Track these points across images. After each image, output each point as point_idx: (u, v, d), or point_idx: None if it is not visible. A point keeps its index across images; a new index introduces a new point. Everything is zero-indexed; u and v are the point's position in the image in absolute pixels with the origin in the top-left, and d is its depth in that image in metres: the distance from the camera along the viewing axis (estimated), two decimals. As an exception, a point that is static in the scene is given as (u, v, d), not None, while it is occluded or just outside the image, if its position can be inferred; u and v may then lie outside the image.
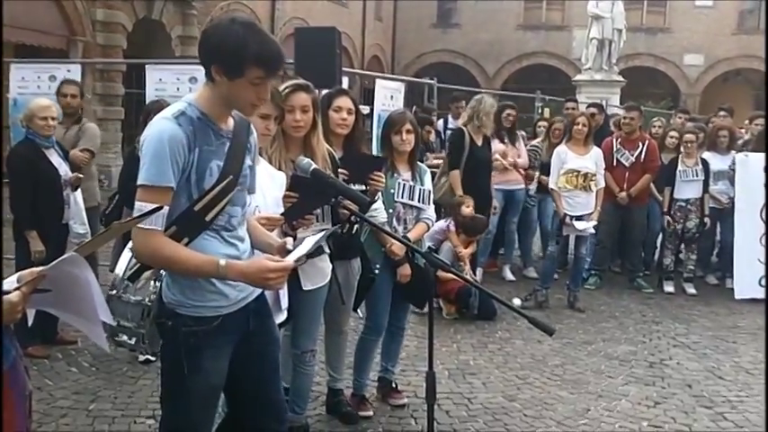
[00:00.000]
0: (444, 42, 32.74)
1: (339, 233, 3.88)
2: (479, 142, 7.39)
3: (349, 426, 4.38)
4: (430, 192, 4.61)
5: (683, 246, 8.27)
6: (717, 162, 8.30)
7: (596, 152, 7.34)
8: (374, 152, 4.74)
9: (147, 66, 8.21)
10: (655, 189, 8.34)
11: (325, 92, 4.30)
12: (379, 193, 4.18)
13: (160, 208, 2.35)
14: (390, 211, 4.39)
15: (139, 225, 2.35)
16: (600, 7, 19.66)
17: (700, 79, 30.83)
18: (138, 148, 3.28)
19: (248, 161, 2.66)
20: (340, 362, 4.49)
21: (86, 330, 2.21)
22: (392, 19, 33.43)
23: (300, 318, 3.87)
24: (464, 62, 32.73)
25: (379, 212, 4.15)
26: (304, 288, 3.75)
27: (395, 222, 4.44)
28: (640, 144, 8.13)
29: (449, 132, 9.22)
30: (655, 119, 10.00)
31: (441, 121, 10.52)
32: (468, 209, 7.01)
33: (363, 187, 3.90)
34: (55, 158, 5.46)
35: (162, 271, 2.69)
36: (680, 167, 8.03)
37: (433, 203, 4.77)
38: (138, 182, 2.43)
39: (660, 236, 8.73)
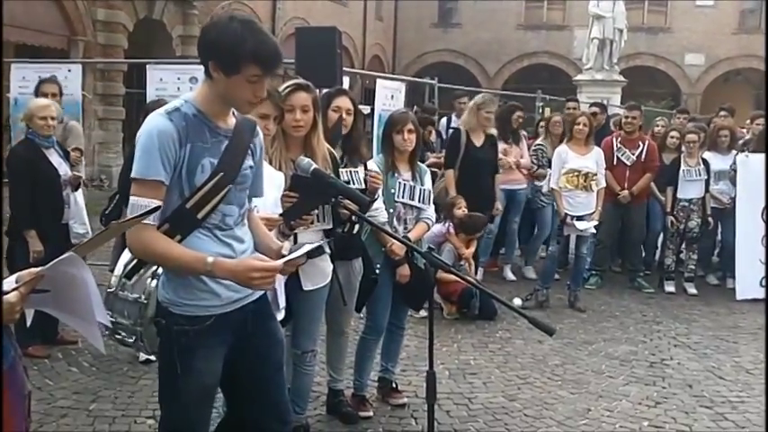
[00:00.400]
0: (445, 42, 32.73)
1: (341, 233, 3.88)
2: (479, 142, 7.37)
3: (349, 426, 4.38)
4: (430, 192, 4.60)
5: (683, 245, 8.26)
6: (717, 162, 8.29)
7: (597, 152, 7.34)
8: (375, 152, 4.72)
9: (147, 65, 8.22)
10: (656, 188, 8.34)
11: (324, 91, 4.30)
12: (380, 193, 4.18)
13: (158, 207, 2.36)
14: (391, 210, 4.39)
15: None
16: (601, 7, 19.63)
17: (700, 79, 30.81)
18: None
19: (249, 162, 2.65)
20: (341, 362, 4.49)
21: (83, 331, 2.21)
22: (393, 18, 33.42)
23: (301, 318, 3.87)
24: (465, 62, 32.72)
25: (379, 212, 4.15)
26: (304, 288, 3.75)
27: (395, 222, 4.44)
28: (641, 143, 8.13)
29: (451, 131, 9.21)
30: (658, 118, 10.00)
31: (444, 120, 10.52)
32: (459, 210, 6.99)
33: (363, 186, 3.89)
34: (55, 158, 5.45)
35: (159, 269, 2.69)
36: (683, 167, 8.02)
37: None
38: (132, 176, 2.46)
39: (661, 236, 8.72)
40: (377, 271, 4.24)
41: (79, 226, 5.67)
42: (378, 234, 4.24)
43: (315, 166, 3.10)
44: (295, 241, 3.47)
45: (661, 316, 7.20)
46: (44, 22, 14.45)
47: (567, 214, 7.10)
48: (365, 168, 4.14)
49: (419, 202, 4.51)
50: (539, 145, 8.58)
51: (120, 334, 4.31)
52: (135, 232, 2.41)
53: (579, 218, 7.11)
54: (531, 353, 5.90)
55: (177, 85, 7.68)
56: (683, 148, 8.18)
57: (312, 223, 3.61)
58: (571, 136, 7.36)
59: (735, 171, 8.16)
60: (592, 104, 9.92)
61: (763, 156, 7.94)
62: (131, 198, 2.44)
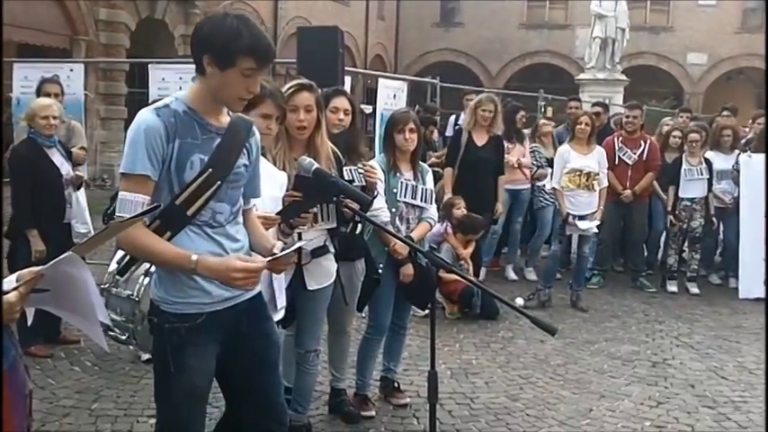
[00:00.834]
0: (447, 41, 32.72)
1: (344, 232, 3.88)
2: (480, 142, 7.36)
3: (351, 425, 4.38)
4: (432, 191, 4.60)
5: (686, 245, 8.25)
6: (720, 161, 8.29)
7: (599, 151, 7.33)
8: (377, 152, 4.72)
9: (149, 65, 8.23)
10: (658, 188, 8.33)
11: (322, 91, 4.29)
12: (381, 192, 4.18)
13: (158, 206, 2.37)
14: (393, 210, 4.38)
15: (119, 214, 2.39)
16: (603, 6, 19.60)
17: (703, 78, 30.79)
18: None
19: (243, 160, 2.64)
20: (343, 362, 4.48)
21: (85, 329, 2.21)
22: (395, 18, 33.41)
23: (304, 317, 3.87)
24: (467, 61, 32.71)
25: (382, 212, 4.15)
26: (309, 288, 3.75)
27: (398, 222, 4.43)
28: (642, 143, 8.12)
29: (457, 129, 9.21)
30: (668, 118, 9.99)
31: (452, 117, 10.52)
32: (458, 210, 6.99)
33: (363, 184, 3.89)
34: (57, 158, 5.45)
35: (152, 267, 2.70)
36: (684, 166, 8.02)
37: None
38: (120, 170, 2.49)
39: (663, 235, 8.71)
40: (379, 271, 4.24)
41: (81, 225, 5.69)
42: (380, 234, 4.24)
43: (316, 165, 3.10)
44: (300, 238, 3.48)
45: (663, 316, 7.19)
46: (46, 22, 14.47)
47: (569, 214, 7.10)
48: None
49: (421, 201, 4.50)
50: (534, 147, 8.56)
51: (113, 330, 4.31)
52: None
53: (581, 217, 7.11)
54: (533, 352, 5.90)
55: (179, 84, 7.67)
56: (686, 148, 8.17)
57: (316, 222, 3.62)
58: (573, 135, 7.35)
59: (737, 171, 8.16)
60: (594, 104, 9.91)
61: (764, 156, 7.94)
62: (120, 193, 2.47)
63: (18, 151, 5.50)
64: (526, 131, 8.94)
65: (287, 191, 3.40)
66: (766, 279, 7.77)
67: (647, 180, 8.09)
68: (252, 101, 2.76)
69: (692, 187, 8.02)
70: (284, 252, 2.61)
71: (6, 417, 1.94)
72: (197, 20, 18.09)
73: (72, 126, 6.72)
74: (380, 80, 9.22)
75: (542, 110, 13.16)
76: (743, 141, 8.83)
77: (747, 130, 9.69)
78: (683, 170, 8.00)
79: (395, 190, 4.41)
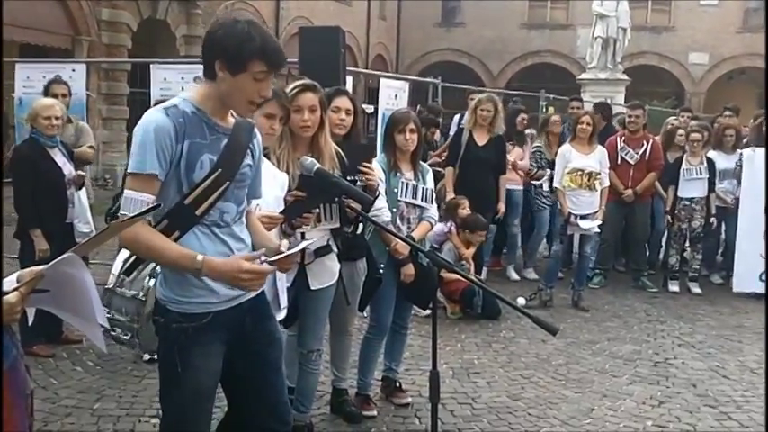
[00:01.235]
0: (448, 41, 32.73)
1: (346, 233, 3.88)
2: (481, 142, 7.37)
3: (353, 425, 4.38)
4: (432, 191, 4.61)
5: (687, 245, 8.25)
6: (722, 161, 8.29)
7: (601, 151, 7.33)
8: (379, 151, 4.72)
9: (151, 65, 8.23)
10: (660, 188, 8.33)
11: (323, 91, 4.29)
12: (382, 192, 4.18)
13: (158, 206, 2.37)
14: (394, 210, 4.38)
15: (123, 212, 2.40)
16: (604, 6, 19.62)
17: (704, 78, 30.78)
18: None
19: (248, 161, 2.66)
20: (345, 361, 4.49)
21: (85, 330, 2.22)
22: (396, 18, 33.43)
23: (307, 317, 3.88)
24: (468, 61, 32.71)
25: (383, 212, 4.15)
26: (312, 287, 3.75)
27: (398, 221, 4.44)
28: (644, 142, 8.12)
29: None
30: (672, 117, 9.98)
31: (456, 117, 10.52)
32: (463, 210, 7.01)
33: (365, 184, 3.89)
34: (59, 158, 5.47)
35: (157, 267, 2.70)
36: (684, 166, 8.01)
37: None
38: (127, 170, 2.49)
39: (665, 235, 8.71)
40: (381, 271, 4.24)
41: (83, 225, 5.70)
42: (381, 233, 4.24)
43: (318, 165, 3.11)
44: (303, 237, 3.48)
45: (665, 315, 7.19)
46: (48, 22, 14.48)
47: (570, 213, 7.10)
48: None
49: (422, 201, 4.51)
50: (536, 147, 8.56)
51: (115, 331, 4.31)
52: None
53: (583, 217, 7.11)
54: (534, 352, 5.90)
55: (181, 84, 7.68)
56: (687, 148, 8.17)
57: (319, 222, 3.62)
58: (574, 135, 7.35)
59: (741, 167, 8.15)
60: (595, 105, 9.91)
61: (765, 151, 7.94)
62: (126, 192, 2.46)
63: (21, 151, 5.52)
64: (528, 132, 8.95)
65: (290, 191, 3.40)
66: (766, 276, 7.77)
67: (649, 180, 8.09)
68: None
69: (691, 187, 8.01)
70: (293, 250, 2.62)
71: (7, 417, 1.95)
72: (199, 20, 18.18)
73: (80, 126, 6.86)
74: (382, 80, 9.22)
75: (544, 110, 13.15)
76: (744, 141, 8.83)
77: (748, 129, 9.68)
78: (682, 170, 7.99)
79: (395, 190, 4.41)
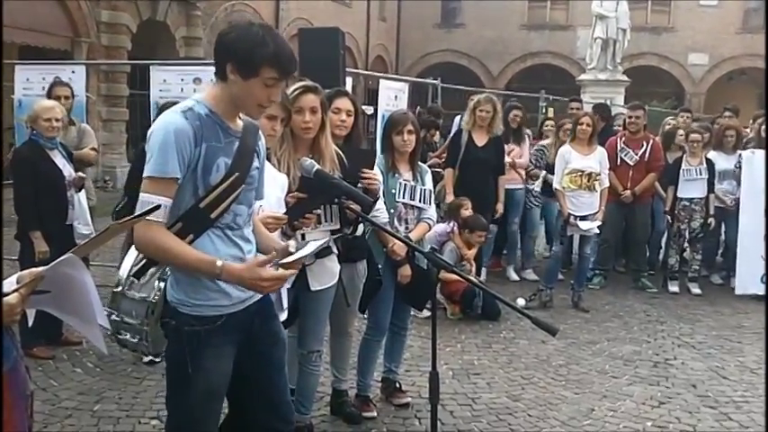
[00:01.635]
0: (448, 42, 32.73)
1: (347, 234, 3.89)
2: (480, 143, 7.37)
3: (353, 426, 4.39)
4: (431, 191, 4.61)
5: (687, 245, 8.25)
6: (722, 162, 8.28)
7: (600, 152, 7.33)
8: (378, 153, 4.72)
9: (151, 67, 8.22)
10: (660, 188, 8.33)
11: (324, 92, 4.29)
12: (381, 193, 4.18)
13: (158, 207, 2.36)
14: (392, 211, 4.39)
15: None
16: (604, 7, 19.62)
17: (704, 78, 30.78)
18: None
19: (256, 162, 2.68)
20: (345, 363, 4.49)
21: (84, 331, 2.22)
22: (396, 19, 33.43)
23: (307, 318, 3.88)
24: (468, 62, 32.72)
25: (381, 213, 4.15)
26: (312, 288, 3.75)
27: (396, 222, 4.44)
28: (644, 143, 8.12)
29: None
30: (670, 117, 9.97)
31: (458, 118, 10.51)
32: (466, 211, 7.02)
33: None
34: (59, 159, 5.47)
35: (167, 270, 2.70)
36: (683, 166, 8.01)
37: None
38: (145, 174, 2.46)
39: (665, 235, 8.71)
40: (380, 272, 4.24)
41: (83, 227, 5.70)
42: (379, 234, 4.24)
43: (317, 167, 3.11)
44: (303, 238, 3.48)
45: (665, 316, 7.19)
46: (48, 24, 14.48)
47: (570, 214, 7.10)
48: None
49: (420, 202, 4.51)
50: (541, 146, 8.56)
51: (122, 334, 4.29)
52: (142, 230, 2.41)
53: (583, 218, 7.11)
54: (534, 353, 5.90)
55: (180, 86, 7.68)
56: (686, 148, 8.17)
57: (320, 223, 3.62)
58: (574, 136, 7.36)
59: (740, 169, 8.15)
60: (594, 106, 9.90)
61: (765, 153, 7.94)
62: (142, 195, 2.44)
63: (20, 153, 5.53)
64: (528, 131, 8.95)
65: (291, 192, 3.41)
66: (766, 277, 7.77)
67: (649, 180, 8.09)
68: None
69: (690, 187, 8.00)
70: (307, 251, 2.62)
71: (7, 418, 1.95)
72: (198, 21, 18.20)
73: (83, 128, 6.93)
74: (382, 81, 9.23)
75: (543, 110, 13.15)
76: (743, 141, 8.82)
77: (748, 130, 9.68)
78: (681, 170, 7.99)
79: (393, 191, 4.42)
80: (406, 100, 9.20)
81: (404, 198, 4.46)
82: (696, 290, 8.09)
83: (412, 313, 4.98)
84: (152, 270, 2.91)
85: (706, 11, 30.15)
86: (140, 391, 4.78)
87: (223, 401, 2.79)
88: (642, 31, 28.76)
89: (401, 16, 33.49)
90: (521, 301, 7.19)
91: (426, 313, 5.66)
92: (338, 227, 3.77)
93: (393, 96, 8.93)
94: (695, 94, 30.28)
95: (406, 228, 4.50)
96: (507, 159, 7.97)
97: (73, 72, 8.26)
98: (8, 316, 1.87)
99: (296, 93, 3.62)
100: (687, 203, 8.03)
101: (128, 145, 16.49)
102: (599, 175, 7.17)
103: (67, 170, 5.52)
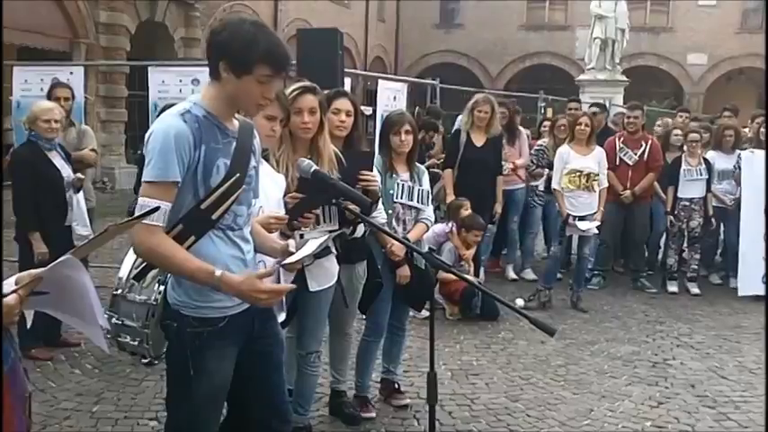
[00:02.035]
0: (447, 43, 32.76)
1: (345, 235, 3.88)
2: (479, 143, 7.37)
3: (351, 426, 4.38)
4: (428, 192, 4.61)
5: (686, 245, 8.25)
6: (721, 161, 8.29)
7: (599, 152, 7.33)
8: (376, 153, 4.72)
9: (149, 68, 8.22)
10: (659, 188, 8.33)
11: (323, 93, 4.29)
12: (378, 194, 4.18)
13: (157, 208, 2.36)
14: (390, 211, 4.38)
15: (146, 221, 2.37)
16: (603, 7, 19.60)
17: (703, 78, 30.82)
18: None
19: (253, 162, 2.68)
20: (344, 363, 4.49)
21: (85, 331, 2.22)
22: (395, 19, 33.44)
23: (306, 319, 3.88)
24: (467, 62, 32.75)
25: (379, 213, 4.15)
26: (311, 289, 3.75)
27: (394, 223, 4.43)
28: (643, 143, 8.12)
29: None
30: (658, 122, 9.98)
31: (460, 117, 10.50)
32: (466, 211, 7.02)
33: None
34: (57, 161, 5.47)
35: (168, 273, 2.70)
36: (684, 167, 8.01)
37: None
38: (144, 178, 2.45)
39: (664, 235, 8.71)
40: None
41: (82, 228, 5.69)
42: (377, 235, 4.24)
43: (315, 167, 3.11)
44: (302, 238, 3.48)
45: (664, 316, 7.19)
46: (46, 25, 14.48)
47: (569, 215, 7.10)
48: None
49: (417, 202, 4.51)
50: (540, 146, 8.56)
51: (123, 337, 4.29)
52: (142, 234, 2.40)
53: (581, 218, 7.11)
54: (533, 353, 5.90)
55: (179, 87, 7.68)
56: (685, 148, 8.18)
57: (318, 224, 3.62)
58: (573, 136, 7.36)
59: (739, 169, 8.15)
60: (591, 105, 9.91)
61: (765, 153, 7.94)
62: (141, 200, 2.43)
63: (19, 154, 5.53)
64: (527, 132, 8.94)
65: (289, 193, 3.41)
66: (766, 278, 7.77)
67: (648, 180, 8.08)
68: None
69: (690, 187, 8.01)
70: (308, 250, 2.62)
71: (7, 418, 1.95)
72: (197, 22, 18.19)
73: (83, 129, 6.93)
74: (380, 81, 9.23)
75: (542, 111, 13.16)
76: (743, 141, 8.83)
77: (747, 130, 9.68)
78: (682, 170, 8.00)
79: (391, 191, 4.41)
80: (404, 100, 9.21)
81: (401, 199, 4.45)
82: (695, 290, 8.09)
83: (411, 314, 4.99)
84: (152, 273, 2.91)
85: (705, 11, 30.17)
86: (139, 393, 4.78)
87: (224, 403, 2.79)
88: (641, 32, 28.80)
89: (400, 17, 33.51)
90: (519, 302, 7.19)
91: (425, 314, 5.65)
92: (337, 227, 3.76)
93: (392, 97, 8.94)
94: (694, 94, 30.31)
95: (404, 228, 4.49)
96: (509, 165, 7.94)
97: (71, 73, 8.25)
98: (6, 317, 1.87)
99: (294, 93, 3.62)
100: (687, 203, 8.03)
101: (126, 146, 16.50)
102: (597, 175, 7.17)
103: (66, 171, 5.52)
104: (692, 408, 4.88)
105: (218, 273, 2.41)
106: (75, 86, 7.57)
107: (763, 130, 8.40)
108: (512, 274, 8.50)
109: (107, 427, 4.30)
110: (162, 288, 2.76)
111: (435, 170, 7.98)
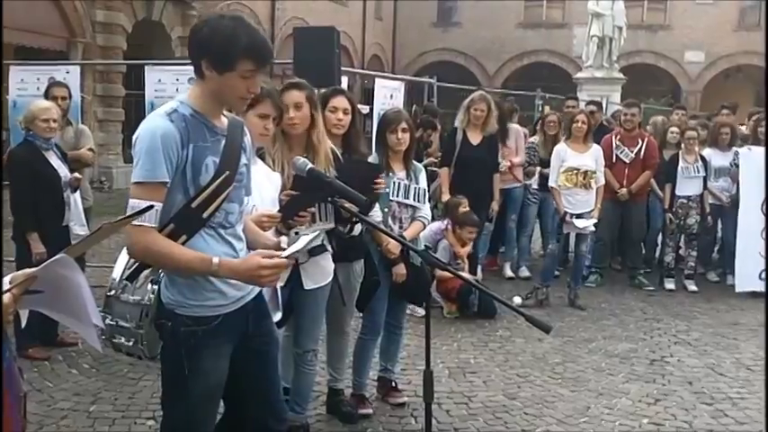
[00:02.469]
0: (445, 41, 32.77)
1: (343, 233, 3.88)
2: (475, 141, 7.37)
3: (349, 425, 4.38)
4: (425, 190, 4.60)
5: (683, 243, 8.26)
6: (718, 159, 8.30)
7: (596, 149, 7.33)
8: (373, 151, 4.71)
9: (146, 67, 8.21)
10: (656, 186, 8.33)
11: (321, 91, 4.29)
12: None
13: (151, 207, 2.36)
14: (386, 210, 4.38)
15: (136, 223, 2.37)
16: (600, 5, 19.59)
17: (700, 76, 30.85)
18: None
19: (244, 159, 2.67)
20: (341, 362, 4.49)
21: (79, 331, 2.21)
22: (392, 18, 33.46)
23: (302, 317, 3.88)
24: (465, 61, 32.76)
25: (374, 212, 4.15)
26: (306, 287, 3.75)
27: (390, 221, 4.43)
28: (640, 141, 8.12)
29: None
30: (651, 120, 9.98)
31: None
32: (463, 209, 7.02)
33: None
34: (54, 160, 5.47)
35: (160, 272, 2.69)
36: (681, 164, 8.02)
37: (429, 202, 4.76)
38: (133, 179, 2.44)
39: (661, 233, 8.71)
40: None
41: (79, 227, 5.70)
42: (373, 233, 4.24)
43: (310, 165, 3.11)
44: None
45: (661, 313, 7.20)
46: (43, 24, 14.46)
47: (566, 212, 7.10)
48: None
49: (414, 200, 4.50)
50: (531, 143, 8.55)
51: (117, 338, 4.28)
52: (134, 235, 2.40)
53: (578, 216, 7.11)
54: (531, 351, 5.90)
55: (176, 86, 7.67)
56: (683, 145, 8.18)
57: (314, 222, 3.62)
58: (570, 134, 7.36)
59: (736, 166, 8.15)
60: (588, 103, 9.91)
61: (764, 149, 7.93)
62: (131, 201, 2.42)
63: (17, 154, 5.52)
64: (525, 130, 8.93)
65: (285, 190, 3.41)
66: (765, 275, 7.77)
67: (644, 178, 8.08)
68: (250, 101, 2.78)
69: (688, 185, 8.02)
70: (301, 245, 2.62)
71: (7, 417, 1.95)
72: (194, 21, 18.12)
73: (80, 129, 6.94)
74: (377, 80, 9.21)
75: (540, 109, 13.16)
76: (739, 138, 8.83)
77: (744, 127, 9.69)
78: (679, 168, 8.01)
79: (387, 189, 4.40)
80: (401, 99, 9.20)
81: (398, 197, 4.45)
82: (692, 287, 8.10)
83: (408, 312, 4.99)
84: (145, 273, 2.91)
85: (702, 8, 30.19)
86: (136, 392, 4.78)
87: (220, 402, 2.78)
88: (638, 29, 28.83)
89: (397, 15, 33.52)
90: (517, 299, 7.20)
91: (423, 312, 5.66)
92: (333, 225, 3.76)
93: (389, 95, 8.93)
94: (691, 92, 30.35)
95: (401, 226, 4.49)
96: (506, 163, 7.94)
97: (67, 72, 8.24)
98: (0, 316, 1.87)
99: (280, 90, 3.62)
100: (684, 200, 8.04)
101: (124, 145, 16.47)
102: (594, 172, 7.17)
103: (63, 171, 5.52)
104: (690, 405, 4.89)
105: (216, 260, 2.42)
106: (72, 86, 7.57)
107: (761, 129, 8.39)
108: (509, 272, 8.50)
109: (104, 426, 4.30)
110: (155, 288, 2.76)
111: (433, 168, 7.98)
